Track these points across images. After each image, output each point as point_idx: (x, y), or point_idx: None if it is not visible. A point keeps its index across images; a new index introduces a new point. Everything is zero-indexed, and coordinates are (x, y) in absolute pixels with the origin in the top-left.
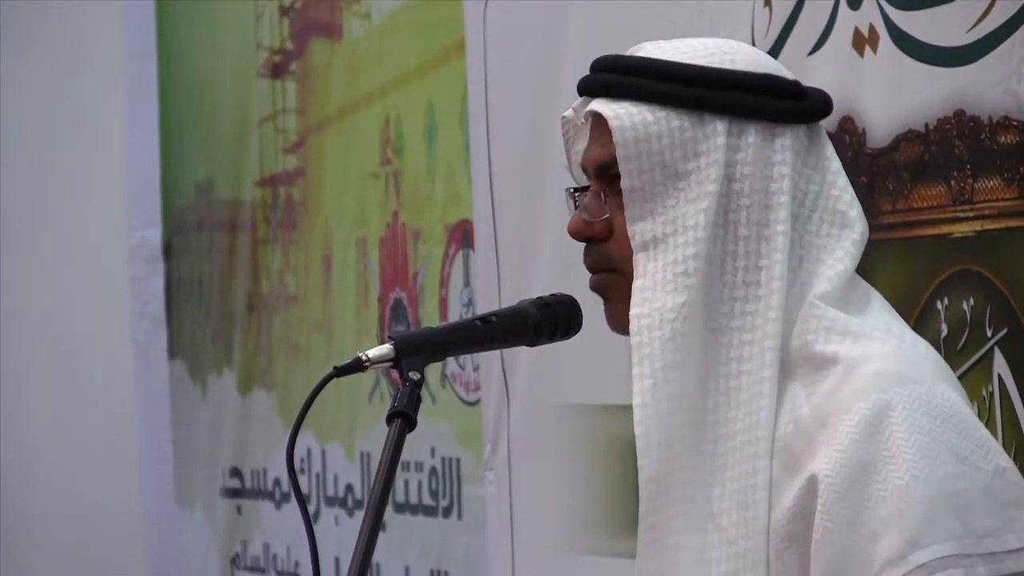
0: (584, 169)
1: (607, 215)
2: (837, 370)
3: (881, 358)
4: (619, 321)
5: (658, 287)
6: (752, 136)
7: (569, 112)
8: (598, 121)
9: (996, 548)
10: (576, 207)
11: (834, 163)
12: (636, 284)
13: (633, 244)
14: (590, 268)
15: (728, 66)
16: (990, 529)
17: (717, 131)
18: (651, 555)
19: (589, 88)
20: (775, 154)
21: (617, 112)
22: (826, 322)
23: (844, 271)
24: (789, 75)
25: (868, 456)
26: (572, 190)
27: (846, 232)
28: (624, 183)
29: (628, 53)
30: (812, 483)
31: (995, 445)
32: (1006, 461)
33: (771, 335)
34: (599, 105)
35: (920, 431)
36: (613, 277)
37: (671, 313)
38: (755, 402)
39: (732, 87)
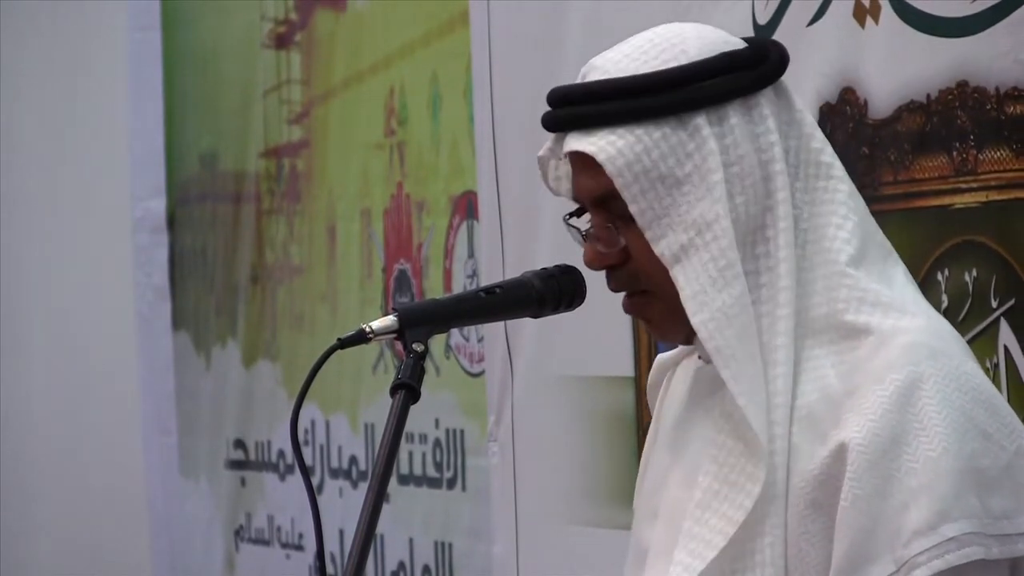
0: (576, 199)
1: (623, 244)
2: (869, 341)
3: (913, 331)
4: (667, 333)
5: (708, 288)
6: (734, 118)
7: (544, 152)
8: (581, 156)
9: (1010, 530)
10: (584, 237)
11: (807, 116)
12: (684, 295)
13: (665, 261)
14: (617, 290)
15: (683, 60)
16: (1007, 510)
17: (699, 126)
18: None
19: (558, 125)
20: (757, 126)
21: (600, 145)
22: (858, 292)
23: (854, 227)
24: (739, 43)
25: (900, 427)
26: (569, 217)
27: (833, 183)
28: (633, 209)
29: (580, 76)
30: (841, 451)
31: (1019, 424)
32: None
33: (783, 303)
34: (577, 143)
35: (951, 405)
36: (646, 298)
37: (733, 308)
38: (771, 371)
39: (696, 79)
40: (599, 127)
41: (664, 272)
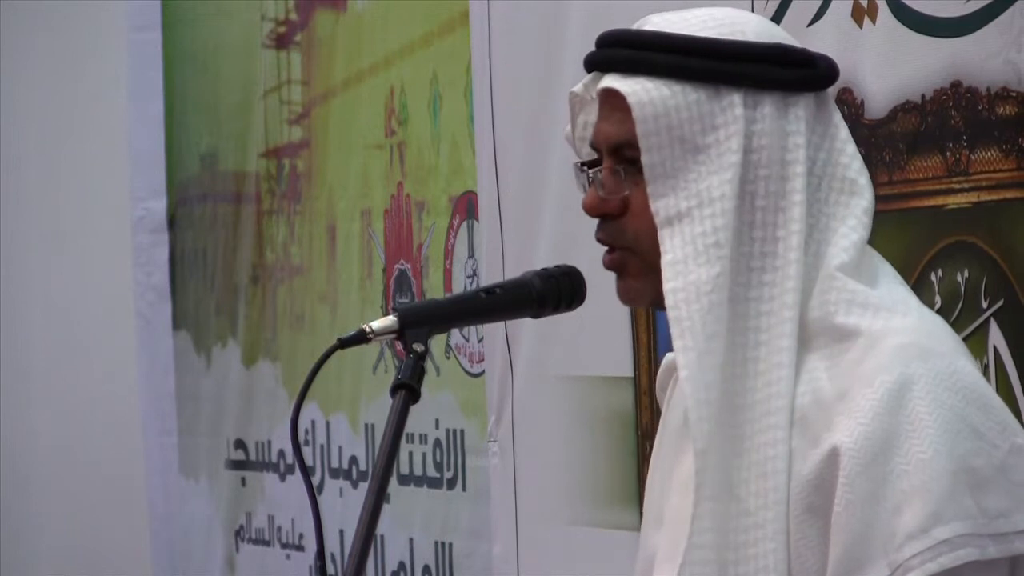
0: (594, 146)
1: (626, 192)
2: (859, 343)
3: (903, 332)
4: (632, 295)
5: (689, 260)
6: (767, 107)
7: (579, 88)
8: (611, 97)
9: (1007, 528)
10: (590, 182)
11: (842, 130)
12: (665, 259)
13: (656, 220)
14: (604, 243)
15: (739, 37)
16: (1002, 509)
17: (734, 103)
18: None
19: (601, 63)
20: (789, 124)
21: (634, 88)
22: (846, 294)
23: (859, 240)
24: (797, 44)
25: (891, 430)
26: (581, 165)
27: (855, 200)
28: (645, 159)
29: (635, 26)
30: (833, 455)
31: (1013, 422)
32: (1023, 439)
33: (790, 305)
34: (614, 81)
35: (942, 406)
36: (627, 255)
37: (707, 285)
38: (774, 372)
39: (746, 59)
40: (639, 73)
41: (654, 233)
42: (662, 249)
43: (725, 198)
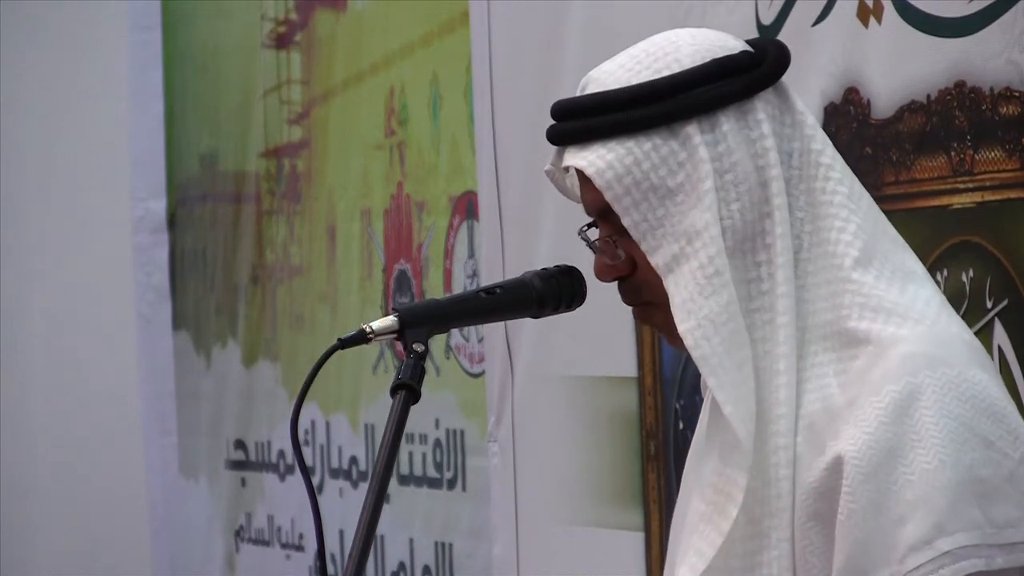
0: (587, 212)
1: (623, 257)
2: (868, 350)
3: (912, 340)
4: (675, 342)
5: (696, 296)
6: (725, 125)
7: (548, 167)
8: (578, 171)
9: (1016, 539)
10: (593, 248)
11: (808, 117)
12: (674, 303)
13: (660, 272)
14: (627, 303)
15: (675, 68)
16: (1011, 519)
17: (690, 135)
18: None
19: (557, 139)
20: (752, 131)
21: (589, 159)
22: (860, 298)
23: (857, 228)
24: (737, 46)
25: (896, 439)
26: (582, 230)
27: (831, 185)
28: (625, 221)
29: (579, 88)
30: (837, 463)
31: None
32: None
33: (781, 311)
34: (571, 158)
35: (949, 416)
36: (651, 308)
37: (720, 316)
38: (775, 379)
39: (687, 88)
40: (592, 141)
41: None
42: (669, 295)
43: (709, 226)
